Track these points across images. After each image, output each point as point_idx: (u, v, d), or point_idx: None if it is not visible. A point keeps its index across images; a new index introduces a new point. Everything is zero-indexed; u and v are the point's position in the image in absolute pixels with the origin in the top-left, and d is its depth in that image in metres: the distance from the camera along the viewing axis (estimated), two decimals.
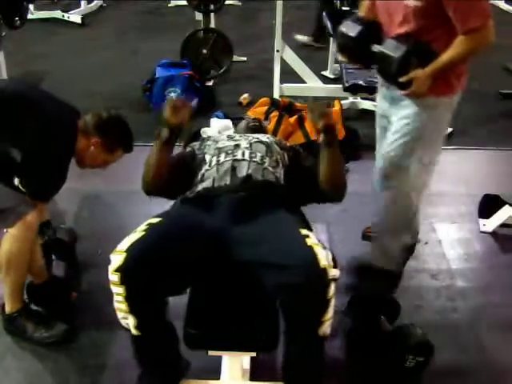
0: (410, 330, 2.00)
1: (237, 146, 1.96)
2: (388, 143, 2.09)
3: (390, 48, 1.90)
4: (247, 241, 1.65)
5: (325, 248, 1.55)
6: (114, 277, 1.53)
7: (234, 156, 1.91)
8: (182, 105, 1.89)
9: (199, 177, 1.91)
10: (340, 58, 2.19)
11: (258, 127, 2.38)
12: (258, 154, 1.93)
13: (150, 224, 1.64)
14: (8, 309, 2.15)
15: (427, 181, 2.19)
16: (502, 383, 2.03)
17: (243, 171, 1.85)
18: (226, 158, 1.91)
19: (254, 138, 2.06)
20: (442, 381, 2.03)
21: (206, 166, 1.92)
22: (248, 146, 1.97)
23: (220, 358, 1.88)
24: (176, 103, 1.87)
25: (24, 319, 2.15)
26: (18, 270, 2.07)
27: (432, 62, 1.87)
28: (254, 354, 1.76)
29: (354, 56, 2.13)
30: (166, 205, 2.86)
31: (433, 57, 1.87)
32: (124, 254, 1.53)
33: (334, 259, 1.55)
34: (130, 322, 1.59)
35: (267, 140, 2.06)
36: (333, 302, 1.55)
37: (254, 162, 1.89)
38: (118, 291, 1.54)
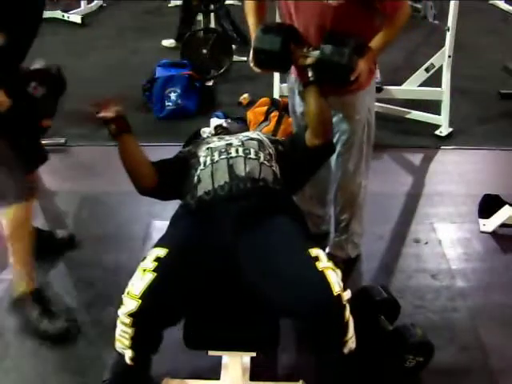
0: (410, 330, 2.00)
1: (229, 145, 1.96)
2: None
3: (331, 54, 1.89)
4: (256, 267, 1.65)
5: (334, 269, 1.57)
6: (126, 319, 1.56)
7: (229, 154, 1.91)
8: (104, 102, 1.94)
9: (195, 178, 1.90)
10: (256, 70, 2.14)
11: (225, 131, 2.36)
12: (252, 150, 1.93)
13: (158, 259, 1.62)
14: (18, 290, 2.19)
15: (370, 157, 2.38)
16: (501, 383, 2.02)
17: (241, 168, 1.85)
18: (220, 156, 1.91)
19: (244, 136, 2.06)
20: (442, 381, 2.03)
21: (201, 167, 1.91)
22: (240, 143, 1.97)
23: (220, 357, 1.88)
24: (96, 103, 1.93)
25: (30, 304, 2.18)
26: (19, 250, 2.13)
27: (364, 51, 1.96)
28: (253, 354, 1.77)
29: (275, 67, 2.13)
30: (166, 205, 2.86)
31: (364, 46, 1.96)
32: (139, 301, 1.54)
33: (342, 277, 1.58)
34: (127, 353, 1.62)
35: (257, 136, 2.07)
36: (351, 321, 1.56)
37: (250, 158, 1.89)
38: (126, 330, 1.57)
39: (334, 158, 2.26)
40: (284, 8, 2.09)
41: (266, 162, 1.91)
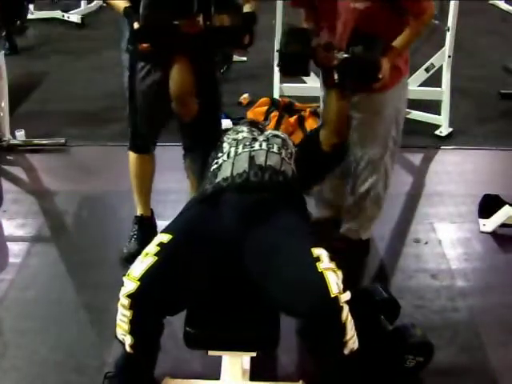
0: (410, 330, 2.00)
1: (254, 139, 2.00)
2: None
3: (360, 55, 1.92)
4: (258, 263, 1.66)
5: (335, 270, 1.57)
6: (124, 300, 1.56)
7: (252, 147, 1.94)
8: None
9: (216, 165, 1.94)
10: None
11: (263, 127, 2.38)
12: (275, 146, 1.97)
13: (161, 244, 1.64)
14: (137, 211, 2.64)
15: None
16: (501, 383, 2.02)
17: (261, 159, 1.88)
18: (243, 149, 1.94)
19: (270, 132, 2.11)
20: (442, 381, 2.02)
21: (224, 157, 1.94)
22: (265, 138, 2.01)
23: (220, 357, 1.88)
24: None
25: (134, 224, 2.61)
26: (134, 183, 2.55)
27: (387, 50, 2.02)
28: (254, 354, 1.76)
29: (300, 71, 2.14)
30: (167, 204, 2.86)
31: (387, 46, 2.01)
32: (137, 283, 1.55)
33: (343, 279, 1.58)
34: (127, 340, 1.62)
35: (282, 135, 2.11)
36: (349, 322, 1.56)
37: (272, 151, 1.93)
38: (124, 313, 1.57)
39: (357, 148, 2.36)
40: (311, 13, 2.14)
41: (286, 158, 1.94)
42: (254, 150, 1.92)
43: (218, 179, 1.87)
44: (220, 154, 1.97)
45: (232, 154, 1.94)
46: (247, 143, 1.97)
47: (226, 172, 1.87)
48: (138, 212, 2.63)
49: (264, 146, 1.95)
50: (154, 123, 2.38)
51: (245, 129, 2.12)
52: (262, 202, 1.78)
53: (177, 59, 1.92)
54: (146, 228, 2.59)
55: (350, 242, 2.59)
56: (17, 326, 2.25)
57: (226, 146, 2.00)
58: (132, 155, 2.50)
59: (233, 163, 1.89)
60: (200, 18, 1.91)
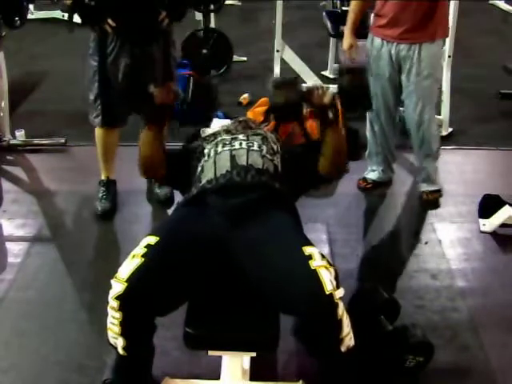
0: (410, 330, 2.00)
1: (234, 139, 2.00)
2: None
3: (348, 86, 2.06)
4: (250, 263, 1.66)
5: (328, 267, 1.57)
6: (113, 303, 1.58)
7: (232, 146, 1.94)
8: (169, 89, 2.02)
9: (199, 169, 1.94)
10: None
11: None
12: (255, 143, 1.97)
13: (148, 246, 1.65)
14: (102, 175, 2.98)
15: None
16: (501, 383, 2.02)
17: (243, 158, 1.88)
18: (223, 148, 1.94)
19: (250, 131, 2.10)
20: (442, 381, 2.02)
21: (205, 158, 1.95)
22: (245, 138, 2.01)
23: (220, 358, 1.88)
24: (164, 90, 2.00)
25: (101, 187, 2.93)
26: (101, 152, 2.89)
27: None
28: (253, 354, 1.76)
29: (293, 118, 2.29)
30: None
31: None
32: (125, 284, 1.56)
33: (336, 275, 1.59)
34: (119, 343, 1.63)
35: (263, 132, 2.10)
36: (345, 319, 1.57)
37: (252, 150, 1.93)
38: (114, 315, 1.59)
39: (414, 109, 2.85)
40: None
41: (268, 155, 1.94)
42: (234, 149, 1.92)
43: (203, 182, 1.87)
44: (202, 159, 1.97)
45: (212, 153, 1.94)
46: (227, 142, 1.97)
47: (209, 173, 1.88)
48: (103, 176, 2.95)
49: (244, 144, 1.95)
50: (127, 100, 2.52)
51: (222, 131, 2.12)
52: (247, 203, 1.77)
53: (148, 127, 1.98)
54: (112, 188, 2.92)
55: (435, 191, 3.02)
56: (17, 326, 2.24)
57: (206, 150, 1.99)
58: (100, 130, 2.80)
59: (214, 162, 1.90)
60: (175, 88, 2.08)
